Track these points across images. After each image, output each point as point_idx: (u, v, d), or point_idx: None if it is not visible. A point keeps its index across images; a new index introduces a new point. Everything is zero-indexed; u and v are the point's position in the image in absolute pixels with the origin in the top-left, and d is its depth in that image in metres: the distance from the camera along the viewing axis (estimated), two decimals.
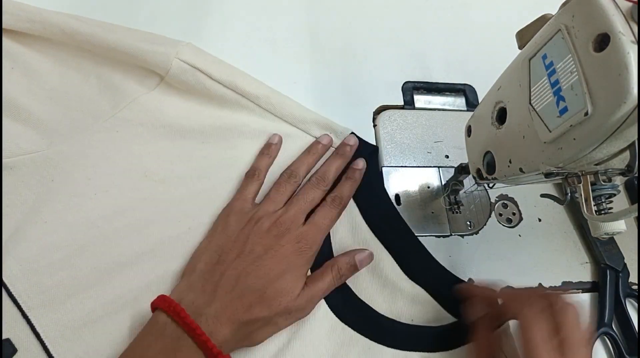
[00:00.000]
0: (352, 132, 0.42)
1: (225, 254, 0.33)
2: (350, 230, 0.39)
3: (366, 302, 0.37)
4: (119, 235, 0.36)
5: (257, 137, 0.41)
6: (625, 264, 0.42)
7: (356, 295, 0.37)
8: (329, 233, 0.38)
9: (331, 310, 0.36)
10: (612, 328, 0.40)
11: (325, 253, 0.38)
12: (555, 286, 0.42)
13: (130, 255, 0.35)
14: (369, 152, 0.41)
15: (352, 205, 0.40)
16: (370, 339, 0.35)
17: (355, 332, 0.36)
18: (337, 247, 0.39)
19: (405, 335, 0.36)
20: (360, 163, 0.40)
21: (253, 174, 0.39)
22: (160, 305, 0.31)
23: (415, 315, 0.37)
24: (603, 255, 0.43)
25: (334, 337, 0.35)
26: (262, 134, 0.42)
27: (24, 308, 0.32)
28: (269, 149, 0.41)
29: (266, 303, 0.31)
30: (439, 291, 0.38)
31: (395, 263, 0.38)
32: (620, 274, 0.42)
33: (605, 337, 0.40)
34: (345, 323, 0.36)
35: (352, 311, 0.36)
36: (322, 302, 0.36)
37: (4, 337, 0.31)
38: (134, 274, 0.35)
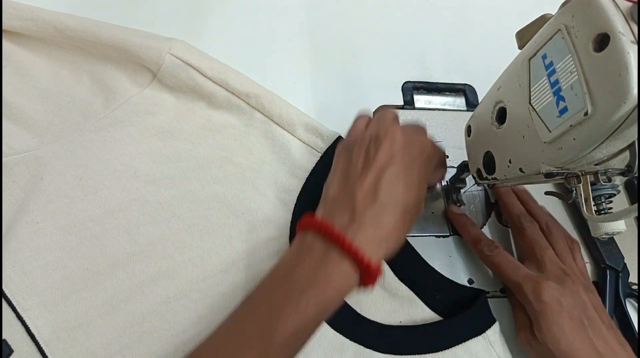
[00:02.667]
0: (340, 136, 0.42)
1: (352, 174, 0.32)
2: None
3: (353, 307, 0.37)
4: (109, 236, 0.36)
5: (246, 138, 0.41)
6: (625, 264, 0.42)
7: (344, 301, 0.37)
8: None
9: None
10: None
11: None
12: None
13: (121, 255, 0.35)
14: None
15: None
16: (360, 344, 0.35)
17: (345, 338, 0.35)
18: None
19: (394, 338, 0.36)
20: None
21: (365, 114, 0.38)
22: (308, 223, 0.30)
23: (404, 317, 0.37)
24: (603, 255, 0.43)
25: (325, 343, 0.35)
26: (251, 135, 0.41)
27: (19, 310, 0.32)
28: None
29: (403, 215, 0.31)
30: (425, 291, 0.38)
31: (386, 264, 0.38)
32: (621, 274, 0.42)
33: None
34: (336, 330, 0.36)
35: (341, 317, 0.36)
36: None
37: None
38: (125, 275, 0.35)
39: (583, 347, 0.32)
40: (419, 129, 0.35)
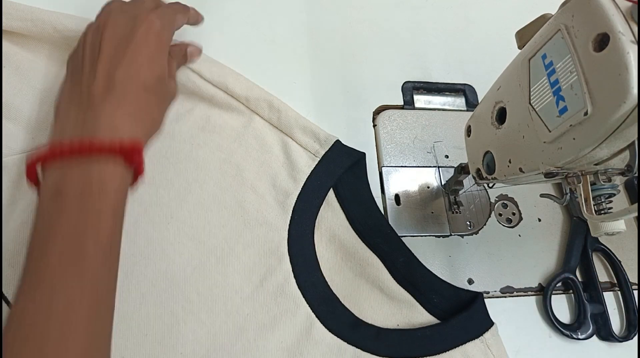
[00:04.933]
0: (337, 140, 0.41)
1: (81, 76, 0.32)
2: (337, 235, 0.39)
3: (351, 310, 0.37)
4: None
5: (245, 140, 0.41)
6: None
7: (342, 303, 0.37)
8: (312, 238, 0.38)
9: (318, 319, 0.36)
10: (575, 276, 0.41)
11: (309, 259, 0.38)
12: None
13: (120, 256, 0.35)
14: (356, 159, 0.41)
15: (338, 210, 0.40)
16: (358, 348, 0.35)
17: (343, 342, 0.35)
18: (323, 252, 0.39)
19: (392, 341, 0.36)
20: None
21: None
22: (36, 162, 0.28)
23: (402, 320, 0.37)
24: (577, 208, 0.43)
25: (323, 347, 0.35)
26: (250, 137, 0.41)
27: None
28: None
29: (145, 93, 0.31)
30: (423, 294, 0.38)
31: (384, 267, 0.38)
32: None
33: (569, 282, 0.42)
34: (334, 333, 0.36)
35: (339, 320, 0.36)
36: (310, 312, 0.36)
37: None
38: (123, 276, 0.34)
39: None
40: (138, 4, 0.34)
